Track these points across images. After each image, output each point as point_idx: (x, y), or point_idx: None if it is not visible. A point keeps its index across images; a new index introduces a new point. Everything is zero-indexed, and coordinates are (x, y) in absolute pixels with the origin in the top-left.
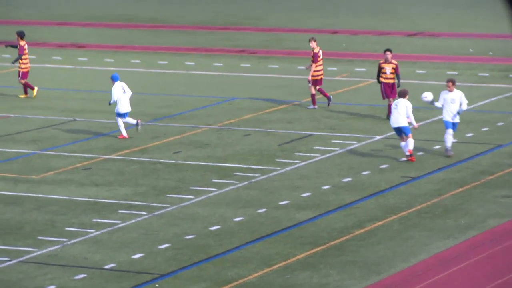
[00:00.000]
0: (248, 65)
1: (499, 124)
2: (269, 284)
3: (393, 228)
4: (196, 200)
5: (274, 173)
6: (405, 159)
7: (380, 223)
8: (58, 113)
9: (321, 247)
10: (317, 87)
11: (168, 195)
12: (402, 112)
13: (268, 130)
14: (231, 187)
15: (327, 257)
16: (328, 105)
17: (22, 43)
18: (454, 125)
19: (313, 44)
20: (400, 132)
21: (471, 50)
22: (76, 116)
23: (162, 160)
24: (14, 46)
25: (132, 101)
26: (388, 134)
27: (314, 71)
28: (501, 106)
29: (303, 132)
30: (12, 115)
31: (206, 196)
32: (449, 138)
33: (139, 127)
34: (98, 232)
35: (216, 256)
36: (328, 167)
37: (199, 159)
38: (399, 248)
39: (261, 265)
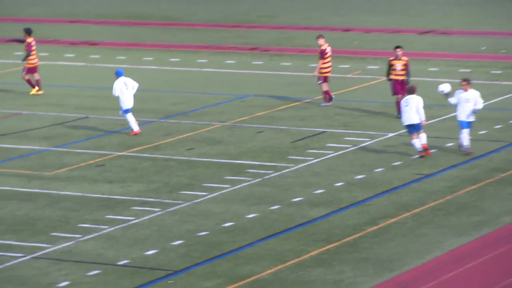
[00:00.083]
0: (261, 62)
1: None
2: (282, 281)
3: (406, 225)
4: (209, 196)
5: (287, 170)
6: (418, 156)
7: (393, 220)
8: (71, 110)
9: (334, 244)
10: (318, 82)
11: (181, 192)
12: (414, 109)
13: (281, 127)
14: (244, 184)
15: (340, 254)
16: (330, 100)
17: (29, 40)
18: (469, 124)
19: (321, 41)
20: (413, 129)
21: (483, 47)
22: (89, 113)
23: (175, 157)
24: (21, 41)
25: (145, 99)
26: (401, 131)
27: (322, 68)
28: None
29: (316, 129)
30: (23, 112)
31: (219, 192)
32: (465, 137)
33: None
34: (111, 229)
35: (229, 252)
36: (341, 164)
37: (212, 156)
38: (412, 245)
39: (274, 262)
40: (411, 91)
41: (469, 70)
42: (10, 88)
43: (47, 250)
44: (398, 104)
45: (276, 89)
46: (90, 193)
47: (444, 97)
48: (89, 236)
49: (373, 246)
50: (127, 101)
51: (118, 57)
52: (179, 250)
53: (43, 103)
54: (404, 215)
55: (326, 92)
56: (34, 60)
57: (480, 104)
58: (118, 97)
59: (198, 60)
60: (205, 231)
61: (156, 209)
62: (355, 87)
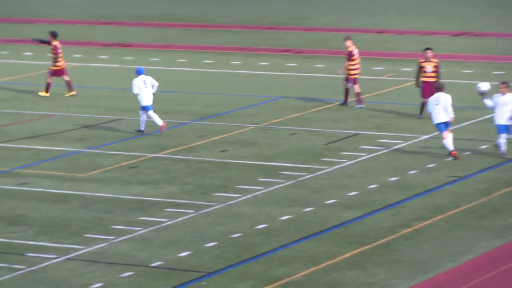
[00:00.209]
0: (294, 64)
1: None
2: (315, 283)
3: (440, 228)
4: (242, 198)
5: (320, 172)
6: (450, 158)
7: (427, 222)
8: (104, 112)
9: (368, 246)
10: (348, 85)
11: (214, 194)
12: (443, 107)
13: (314, 129)
14: (278, 186)
15: (374, 256)
16: (341, 104)
17: (55, 43)
18: (507, 128)
19: (348, 43)
20: (444, 127)
21: None
22: (122, 115)
23: (209, 159)
24: (44, 42)
25: (178, 100)
26: (435, 133)
27: (351, 69)
28: None
29: (349, 131)
30: (57, 114)
31: (252, 194)
32: (503, 142)
33: (163, 130)
34: (145, 230)
35: (263, 254)
36: (375, 166)
37: (245, 158)
38: (446, 248)
39: (307, 264)
40: (440, 88)
41: (503, 72)
42: (43, 90)
43: (81, 252)
44: (422, 105)
45: (309, 91)
46: (124, 195)
47: (481, 96)
48: (122, 238)
49: (407, 248)
50: (146, 98)
51: (152, 59)
52: (213, 252)
53: (76, 105)
54: (438, 218)
55: (358, 94)
56: (60, 63)
57: None
58: (137, 95)
59: (232, 62)
60: (238, 233)
61: (190, 211)
62: (389, 89)
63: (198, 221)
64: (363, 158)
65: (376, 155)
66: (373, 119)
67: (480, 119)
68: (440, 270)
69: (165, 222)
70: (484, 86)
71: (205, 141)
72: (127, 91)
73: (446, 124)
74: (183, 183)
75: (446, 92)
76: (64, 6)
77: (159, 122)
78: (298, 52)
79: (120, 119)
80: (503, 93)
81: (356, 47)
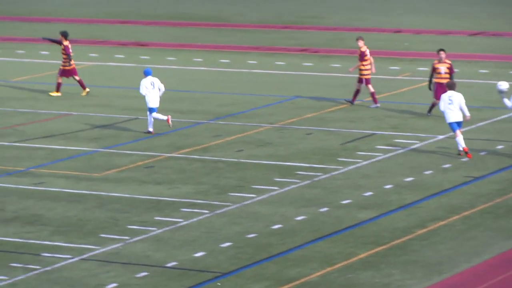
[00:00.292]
0: (311, 64)
1: None
2: (330, 283)
3: (455, 228)
4: (258, 198)
5: (336, 172)
6: (466, 159)
7: (442, 223)
8: (120, 111)
9: (383, 247)
10: (361, 85)
11: (230, 194)
12: (457, 106)
13: (330, 129)
14: (293, 186)
15: (389, 256)
16: (347, 101)
17: (66, 43)
18: None
19: (360, 43)
20: (457, 126)
21: None
22: (138, 115)
23: (224, 159)
24: (54, 42)
25: (194, 100)
26: (451, 133)
27: (363, 69)
28: None
29: (366, 131)
30: (73, 113)
31: (268, 194)
32: None
33: (171, 123)
34: (160, 230)
35: (278, 255)
36: (391, 167)
37: (261, 158)
38: (462, 248)
39: (323, 264)
40: (451, 86)
41: None
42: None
43: (96, 252)
44: (433, 104)
45: (325, 90)
46: (139, 195)
47: (500, 95)
48: (137, 238)
49: (422, 249)
50: (152, 100)
51: (168, 58)
52: (228, 252)
53: (92, 104)
54: (454, 218)
55: (373, 94)
56: (70, 62)
57: None
58: (145, 96)
59: (248, 61)
60: (253, 233)
61: (205, 211)
62: (405, 89)
63: (213, 221)
64: (379, 158)
65: (392, 155)
66: (389, 119)
67: (496, 119)
68: (456, 270)
69: (180, 222)
70: (504, 85)
71: (221, 141)
72: None
73: (458, 124)
74: (198, 183)
75: (463, 92)
76: (80, 5)
77: (163, 117)
78: (315, 52)
79: (136, 118)
80: None
81: (368, 47)
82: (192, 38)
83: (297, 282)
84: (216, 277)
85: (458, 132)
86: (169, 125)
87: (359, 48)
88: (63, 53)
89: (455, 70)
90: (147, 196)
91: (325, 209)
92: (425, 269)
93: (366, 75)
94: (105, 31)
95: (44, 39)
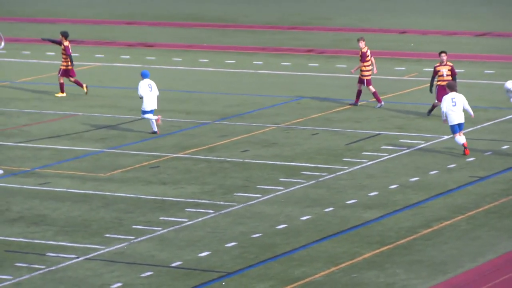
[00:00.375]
0: (316, 64)
1: None
2: (335, 283)
3: (460, 228)
4: (263, 198)
5: (341, 172)
6: (471, 158)
7: (447, 222)
8: (126, 112)
9: (388, 247)
10: (362, 86)
11: (235, 194)
12: (461, 108)
13: (336, 129)
14: (298, 186)
15: (393, 256)
16: (351, 104)
17: (66, 43)
18: None
19: (361, 44)
20: (459, 128)
21: None
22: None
23: (230, 159)
24: (54, 42)
25: (200, 100)
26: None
27: (364, 70)
28: None
29: (371, 132)
30: (79, 114)
31: (273, 194)
32: None
33: (160, 123)
34: (165, 230)
35: (282, 254)
36: (396, 167)
37: (266, 158)
38: (467, 248)
39: (327, 264)
40: (453, 87)
41: None
42: (65, 90)
43: (101, 252)
44: (434, 106)
45: (331, 91)
46: (144, 195)
47: (508, 95)
48: (142, 238)
49: (427, 248)
50: (149, 103)
51: (174, 59)
52: (233, 252)
53: (98, 105)
54: (458, 218)
55: (375, 94)
56: (69, 62)
57: None
58: (142, 98)
59: (254, 62)
60: (258, 233)
61: (210, 211)
62: (411, 89)
63: (218, 221)
64: (384, 158)
65: (397, 155)
66: (394, 119)
67: (502, 119)
68: (460, 270)
69: (185, 222)
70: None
71: (226, 141)
72: None
73: (459, 126)
74: (204, 183)
75: (469, 93)
76: (86, 5)
77: (155, 128)
78: (321, 52)
79: (142, 119)
80: None
81: (369, 48)
82: (198, 39)
83: (301, 282)
84: (221, 277)
85: (458, 133)
86: (158, 125)
87: (360, 49)
88: (63, 54)
89: (457, 71)
90: (152, 196)
91: (330, 209)
92: (430, 268)
93: (367, 76)
94: (112, 32)
95: (44, 39)
